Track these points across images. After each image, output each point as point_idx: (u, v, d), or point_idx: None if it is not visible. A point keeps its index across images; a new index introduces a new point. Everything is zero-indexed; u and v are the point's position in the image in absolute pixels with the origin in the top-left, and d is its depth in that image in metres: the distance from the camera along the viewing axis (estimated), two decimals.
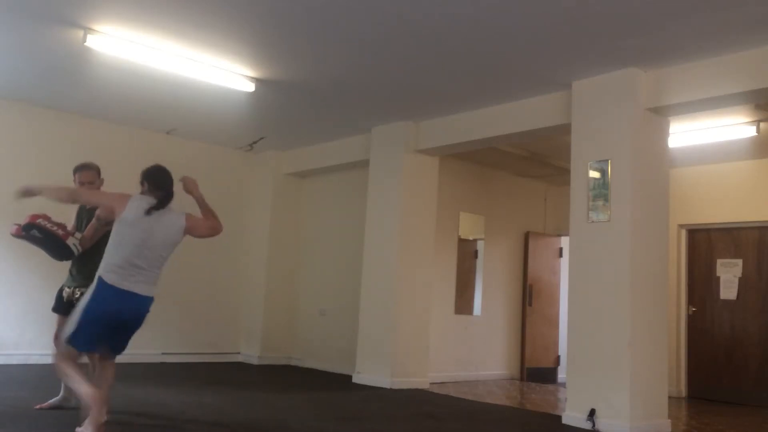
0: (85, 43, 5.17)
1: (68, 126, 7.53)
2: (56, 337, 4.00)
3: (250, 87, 6.11)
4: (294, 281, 9.00)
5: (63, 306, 4.25)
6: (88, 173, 4.42)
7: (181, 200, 3.87)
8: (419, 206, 7.25)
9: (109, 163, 7.53)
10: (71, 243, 4.08)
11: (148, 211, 3.55)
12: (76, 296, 4.13)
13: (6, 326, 6.95)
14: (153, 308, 4.02)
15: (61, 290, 4.39)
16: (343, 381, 7.24)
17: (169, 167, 3.92)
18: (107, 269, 3.48)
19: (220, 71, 5.83)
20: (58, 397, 4.45)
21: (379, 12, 4.55)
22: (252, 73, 5.94)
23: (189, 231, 3.73)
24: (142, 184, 3.75)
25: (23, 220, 3.96)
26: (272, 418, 4.86)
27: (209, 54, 5.54)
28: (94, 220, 4.18)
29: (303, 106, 6.89)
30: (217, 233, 3.86)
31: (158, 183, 3.70)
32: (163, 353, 7.88)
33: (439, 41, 5.00)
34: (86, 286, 4.07)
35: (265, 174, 9.00)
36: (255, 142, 8.63)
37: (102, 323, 3.47)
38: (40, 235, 3.95)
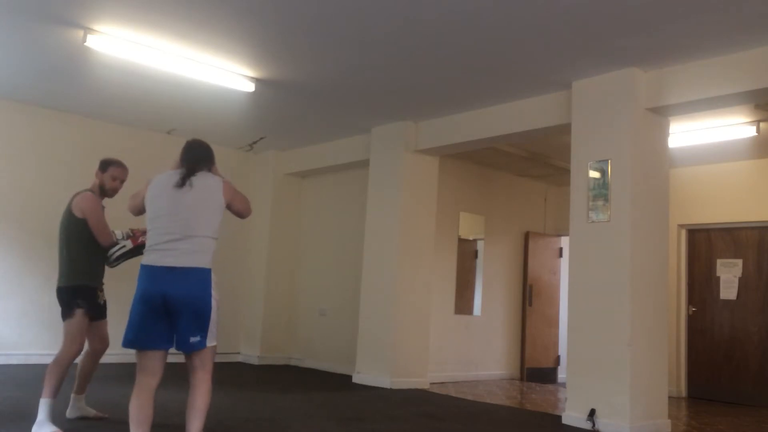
0: (85, 43, 5.17)
1: (68, 126, 7.54)
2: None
3: (250, 87, 6.11)
4: (294, 281, 9.00)
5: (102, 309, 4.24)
6: (122, 170, 4.26)
7: None
8: (419, 206, 7.26)
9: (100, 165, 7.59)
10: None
11: (178, 184, 3.20)
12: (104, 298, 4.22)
13: (6, 326, 6.95)
14: None
15: (96, 295, 4.15)
16: (343, 381, 7.24)
17: (169, 167, 3.89)
18: (146, 252, 3.19)
19: (220, 71, 5.83)
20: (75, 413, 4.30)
21: (379, 12, 4.55)
22: (252, 73, 5.94)
23: (226, 197, 3.30)
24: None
25: (131, 239, 4.06)
26: (272, 418, 4.86)
27: (209, 54, 5.54)
28: None
29: (303, 106, 6.89)
30: (250, 213, 3.51)
31: (185, 155, 3.34)
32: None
33: (439, 41, 5.00)
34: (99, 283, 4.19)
35: (265, 174, 9.01)
36: (255, 142, 8.63)
37: (146, 308, 3.07)
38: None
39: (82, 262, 4.08)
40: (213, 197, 3.24)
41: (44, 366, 7.04)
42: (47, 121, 7.40)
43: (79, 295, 4.04)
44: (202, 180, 3.25)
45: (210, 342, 3.14)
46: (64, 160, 7.44)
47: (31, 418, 3.93)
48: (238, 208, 3.38)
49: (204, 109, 7.07)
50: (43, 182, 7.29)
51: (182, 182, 3.20)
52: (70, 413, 4.26)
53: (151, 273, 3.09)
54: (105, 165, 4.25)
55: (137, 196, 3.39)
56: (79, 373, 4.29)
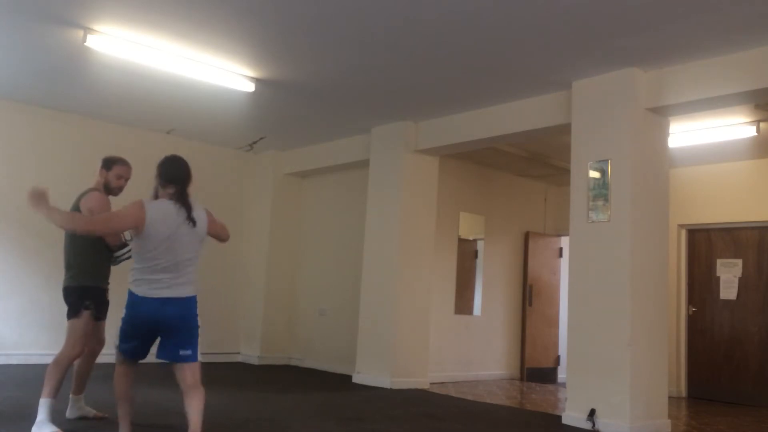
0: (85, 43, 5.16)
1: (68, 126, 7.54)
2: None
3: (250, 87, 6.11)
4: (294, 281, 9.00)
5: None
6: (129, 168, 4.20)
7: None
8: (419, 206, 7.25)
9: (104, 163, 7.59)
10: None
11: (185, 219, 3.37)
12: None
13: (6, 326, 6.95)
14: None
15: (104, 296, 4.17)
16: (343, 381, 7.24)
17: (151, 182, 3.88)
18: (136, 282, 3.36)
19: (220, 71, 5.83)
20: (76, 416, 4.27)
21: (379, 12, 4.55)
22: (252, 73, 5.94)
23: (210, 231, 3.54)
24: (156, 178, 3.50)
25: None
26: (272, 418, 4.86)
27: (209, 54, 5.54)
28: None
29: (303, 106, 6.89)
30: (228, 238, 3.71)
31: (170, 176, 3.43)
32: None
33: (439, 41, 5.00)
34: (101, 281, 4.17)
35: (265, 174, 9.00)
36: (255, 142, 8.63)
37: (139, 332, 3.40)
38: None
39: (90, 262, 4.04)
40: (203, 231, 3.48)
41: (44, 366, 7.04)
42: (47, 121, 7.40)
43: (88, 295, 4.00)
44: (198, 214, 3.45)
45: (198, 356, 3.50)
46: (64, 160, 7.44)
47: (31, 418, 3.93)
48: (217, 235, 3.64)
49: (204, 109, 7.07)
50: (43, 182, 7.15)
51: (190, 219, 3.39)
52: (69, 413, 4.24)
53: (144, 303, 3.33)
54: (109, 163, 4.20)
55: (122, 216, 3.38)
56: (76, 374, 4.26)
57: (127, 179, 4.22)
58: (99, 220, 3.69)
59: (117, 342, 3.49)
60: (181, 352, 3.37)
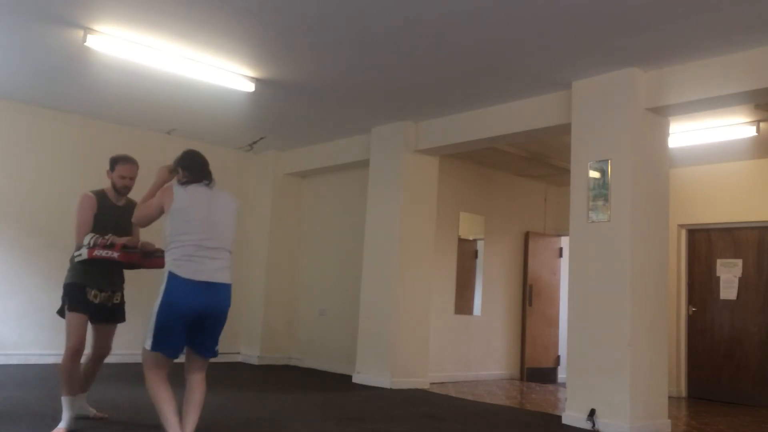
0: (85, 43, 5.16)
1: (68, 126, 7.54)
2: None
3: (250, 87, 6.11)
4: (294, 281, 9.00)
5: (98, 311, 4.09)
6: (132, 167, 4.12)
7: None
8: (419, 206, 7.25)
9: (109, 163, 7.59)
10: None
11: (198, 188, 3.32)
12: (117, 300, 4.15)
13: (6, 326, 6.95)
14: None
15: (84, 294, 4.00)
16: (343, 381, 7.24)
17: (165, 175, 3.85)
18: (177, 261, 3.15)
19: (220, 71, 5.83)
20: (68, 420, 3.98)
21: (379, 12, 4.55)
22: (252, 73, 5.94)
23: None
24: (176, 172, 3.48)
25: (89, 249, 3.89)
26: (272, 418, 4.86)
27: (209, 54, 5.54)
28: (135, 228, 4.06)
29: (303, 106, 6.89)
30: None
31: (192, 165, 3.43)
32: None
33: (439, 41, 5.00)
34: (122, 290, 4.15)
35: (265, 174, 9.00)
36: (255, 142, 8.63)
37: (183, 323, 3.15)
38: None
39: (78, 261, 4.01)
40: (233, 217, 3.43)
41: (44, 366, 7.05)
42: (47, 121, 7.40)
43: (66, 292, 4.03)
44: (222, 197, 3.41)
45: None
46: (64, 160, 7.44)
47: (31, 418, 3.93)
48: None
49: (204, 109, 7.07)
50: (43, 182, 7.30)
51: (208, 194, 3.34)
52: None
53: (189, 287, 3.14)
54: (112, 163, 4.14)
55: (151, 206, 3.35)
56: (82, 373, 4.22)
57: (132, 178, 4.12)
58: (141, 215, 3.50)
59: (149, 341, 3.15)
60: (216, 348, 3.33)
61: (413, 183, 7.22)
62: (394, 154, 7.25)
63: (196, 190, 3.33)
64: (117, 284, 4.16)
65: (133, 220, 3.52)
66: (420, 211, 7.26)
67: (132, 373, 6.11)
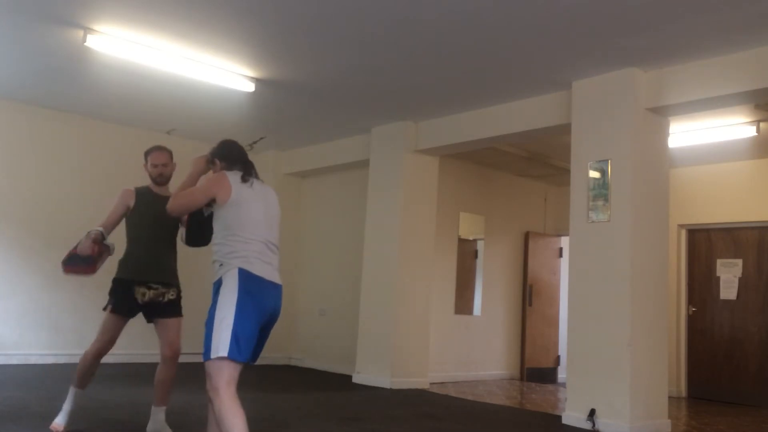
0: (85, 43, 5.16)
1: (68, 126, 7.54)
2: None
3: (250, 87, 6.11)
4: (294, 281, 9.00)
5: (134, 307, 3.87)
6: (161, 154, 3.98)
7: None
8: (419, 206, 7.25)
9: (109, 163, 7.61)
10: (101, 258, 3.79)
11: (244, 179, 3.01)
12: (170, 297, 3.89)
13: (6, 326, 6.95)
14: None
15: (129, 290, 3.82)
16: (343, 381, 7.24)
17: (199, 167, 3.78)
18: (246, 258, 2.85)
19: (220, 71, 5.83)
20: (67, 411, 3.89)
21: (379, 12, 4.55)
22: (252, 73, 5.94)
23: None
24: (213, 163, 3.19)
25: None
26: (272, 418, 4.86)
27: (209, 54, 5.54)
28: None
29: (303, 106, 6.89)
30: None
31: (231, 155, 3.15)
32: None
33: (439, 41, 5.00)
34: (176, 284, 3.94)
35: (265, 174, 8.91)
36: (255, 142, 8.62)
37: (259, 324, 2.86)
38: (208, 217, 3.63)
39: (124, 255, 3.93)
40: (278, 210, 3.17)
41: (44, 366, 7.04)
42: (47, 121, 7.40)
43: (112, 288, 3.89)
44: (268, 190, 3.15)
45: None
46: (64, 160, 7.45)
47: (31, 418, 3.93)
48: None
49: (204, 109, 7.07)
50: (43, 182, 7.30)
51: (258, 187, 3.07)
52: (149, 427, 3.92)
53: (264, 286, 2.87)
54: (145, 156, 4.03)
55: (195, 194, 3.03)
56: (155, 383, 3.93)
57: (165, 164, 3.97)
58: (184, 201, 3.12)
59: (224, 346, 2.70)
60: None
61: (413, 183, 7.22)
62: (394, 154, 7.25)
63: (252, 186, 3.05)
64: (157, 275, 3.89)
65: (169, 208, 3.09)
66: (420, 211, 7.26)
67: (132, 373, 6.12)
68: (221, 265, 2.89)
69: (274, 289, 2.93)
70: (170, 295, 3.91)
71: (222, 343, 2.71)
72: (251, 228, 2.93)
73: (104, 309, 3.87)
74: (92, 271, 3.81)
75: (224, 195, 2.92)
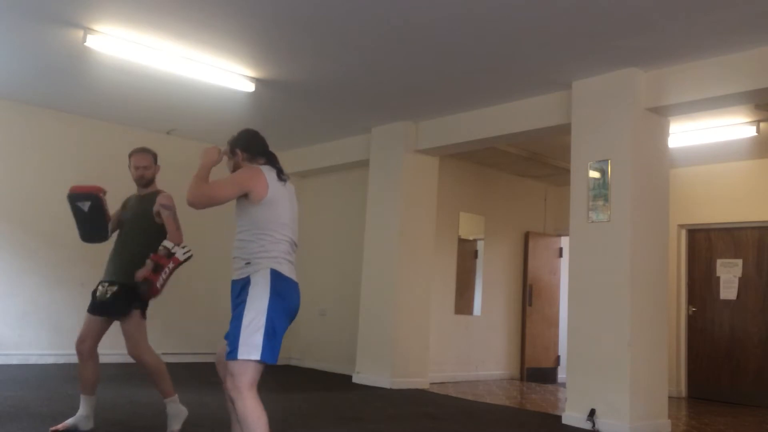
0: (85, 43, 5.16)
1: (68, 126, 7.54)
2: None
3: (250, 87, 6.11)
4: None
5: (95, 305, 3.88)
6: (141, 156, 4.00)
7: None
8: (419, 206, 7.26)
9: (110, 163, 7.58)
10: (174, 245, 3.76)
11: (281, 178, 2.91)
12: (106, 296, 3.81)
13: (6, 326, 6.95)
14: (152, 307, 4.02)
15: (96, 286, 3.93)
16: (343, 381, 7.24)
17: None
18: (277, 259, 2.78)
19: (220, 71, 5.83)
20: (75, 416, 3.89)
21: (380, 12, 4.55)
22: (252, 73, 5.94)
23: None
24: (234, 154, 3.04)
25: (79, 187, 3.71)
26: (272, 418, 4.83)
27: (209, 54, 5.54)
28: (164, 210, 3.82)
29: (303, 106, 6.89)
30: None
31: (260, 146, 3.04)
32: (163, 353, 7.85)
33: (439, 41, 5.00)
34: (114, 283, 3.82)
35: None
36: None
37: (287, 324, 2.83)
38: (86, 210, 3.68)
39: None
40: (297, 208, 3.06)
41: (44, 366, 7.04)
42: (47, 121, 7.40)
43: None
44: (291, 186, 3.04)
45: None
46: (64, 160, 7.44)
47: (31, 418, 3.92)
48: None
49: (204, 109, 7.07)
50: (43, 182, 7.29)
51: (291, 188, 2.99)
52: (68, 421, 3.89)
53: (291, 287, 2.82)
54: (129, 157, 4.06)
55: (226, 186, 2.82)
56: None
57: (145, 167, 3.98)
58: (217, 191, 2.93)
59: (257, 350, 2.64)
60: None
61: (413, 183, 7.22)
62: (394, 154, 7.25)
63: (283, 184, 2.93)
64: (114, 275, 3.89)
65: (190, 200, 2.82)
66: (420, 211, 7.26)
67: (131, 373, 6.11)
68: (248, 263, 2.78)
69: (297, 289, 2.88)
70: (108, 294, 3.82)
71: (253, 345, 2.65)
72: (281, 227, 2.84)
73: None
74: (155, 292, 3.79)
75: (261, 192, 2.80)
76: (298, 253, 2.99)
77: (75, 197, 3.82)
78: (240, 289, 2.77)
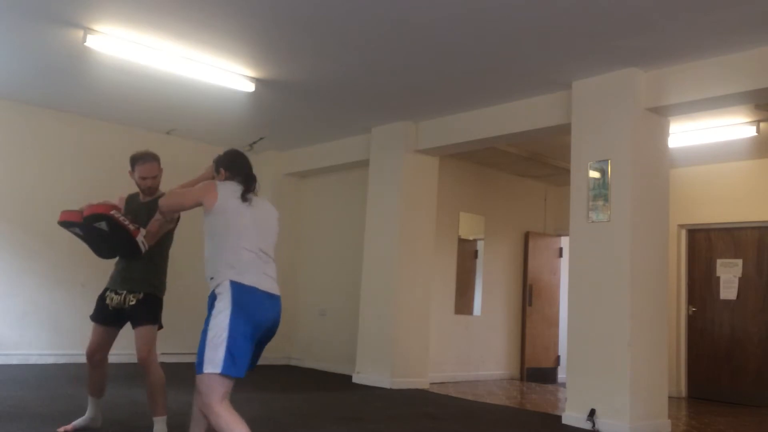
0: (85, 43, 5.16)
1: (68, 126, 7.54)
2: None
3: (250, 87, 6.11)
4: (294, 281, 8.99)
5: (107, 315, 3.81)
6: (150, 166, 3.82)
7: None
8: (419, 206, 7.25)
9: (110, 163, 7.60)
10: (140, 240, 3.59)
11: (243, 197, 2.96)
12: (130, 303, 3.74)
13: (6, 326, 6.95)
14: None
15: (103, 296, 3.84)
16: (343, 381, 7.24)
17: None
18: (239, 269, 2.81)
19: (220, 71, 5.83)
20: (83, 417, 3.91)
21: (379, 12, 4.55)
22: (252, 73, 5.94)
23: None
24: (218, 172, 3.14)
25: (84, 210, 3.55)
26: (271, 418, 4.86)
27: (209, 54, 5.54)
28: (158, 215, 3.61)
29: (303, 106, 6.89)
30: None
31: (239, 167, 3.10)
32: (162, 353, 7.85)
33: (439, 41, 5.00)
34: (139, 291, 3.74)
35: (265, 174, 8.98)
36: (255, 142, 8.62)
37: (253, 337, 2.84)
38: (107, 229, 3.52)
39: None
40: (276, 226, 3.11)
41: (44, 366, 7.04)
42: (47, 121, 7.40)
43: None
44: (263, 204, 3.09)
45: None
46: (64, 160, 7.44)
47: (31, 418, 3.92)
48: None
49: (204, 109, 7.07)
50: (43, 182, 7.29)
51: (258, 201, 3.03)
52: (76, 422, 3.92)
53: (258, 298, 2.83)
54: (132, 163, 3.87)
55: (185, 196, 3.02)
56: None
57: (154, 177, 3.84)
58: (168, 205, 3.20)
59: (219, 362, 2.69)
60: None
61: (413, 183, 7.22)
62: (394, 154, 7.25)
63: (233, 186, 3.00)
64: (130, 284, 3.80)
65: (161, 204, 3.12)
66: (420, 211, 7.26)
67: (131, 373, 6.11)
68: (212, 278, 2.86)
69: (270, 299, 2.88)
70: (131, 301, 3.75)
71: (216, 359, 2.69)
72: (239, 237, 2.88)
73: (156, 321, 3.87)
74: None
75: (210, 201, 2.89)
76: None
77: (91, 219, 3.62)
78: (210, 305, 2.84)
